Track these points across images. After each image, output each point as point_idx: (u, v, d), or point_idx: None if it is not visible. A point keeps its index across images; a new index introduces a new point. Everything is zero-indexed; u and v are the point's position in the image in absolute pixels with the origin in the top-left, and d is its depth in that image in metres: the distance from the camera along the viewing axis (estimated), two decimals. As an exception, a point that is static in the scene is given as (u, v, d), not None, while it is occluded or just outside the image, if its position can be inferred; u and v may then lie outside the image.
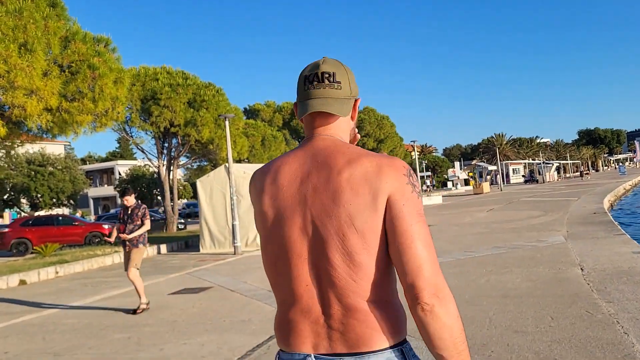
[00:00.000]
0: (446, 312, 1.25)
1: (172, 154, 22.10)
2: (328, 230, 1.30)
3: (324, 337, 1.33)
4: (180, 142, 21.50)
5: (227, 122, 14.56)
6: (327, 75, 1.42)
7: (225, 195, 14.69)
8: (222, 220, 14.97)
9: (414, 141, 31.59)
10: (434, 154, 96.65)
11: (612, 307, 5.54)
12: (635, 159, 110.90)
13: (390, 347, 1.31)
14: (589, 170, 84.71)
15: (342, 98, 1.43)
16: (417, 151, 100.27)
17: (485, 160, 73.22)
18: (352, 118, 1.52)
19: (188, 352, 5.25)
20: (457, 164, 65.96)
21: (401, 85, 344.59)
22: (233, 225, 13.96)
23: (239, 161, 25.09)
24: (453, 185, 61.34)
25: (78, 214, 49.87)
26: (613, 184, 38.38)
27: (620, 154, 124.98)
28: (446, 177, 68.96)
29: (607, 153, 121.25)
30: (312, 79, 1.42)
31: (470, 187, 47.42)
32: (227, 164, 14.81)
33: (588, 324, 5.05)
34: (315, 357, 1.33)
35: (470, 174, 59.38)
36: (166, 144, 22.03)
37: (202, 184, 15.44)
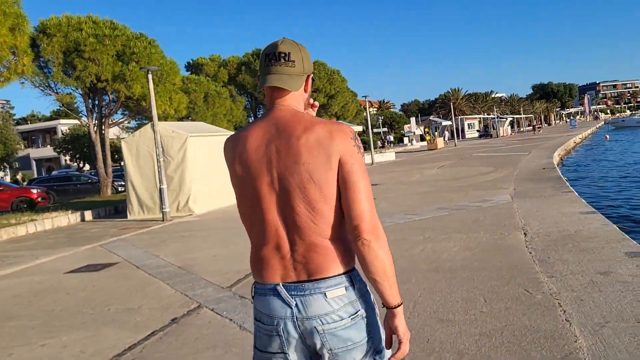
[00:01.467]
0: (379, 247, 1.64)
1: (104, 111, 20.43)
2: (291, 185, 1.65)
3: (291, 269, 1.68)
4: (110, 99, 19.83)
5: (149, 76, 13.11)
6: (283, 55, 1.72)
7: (154, 157, 13.42)
8: (151, 184, 13.74)
9: (365, 96, 30.57)
10: (391, 109, 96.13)
11: (554, 284, 4.77)
12: (585, 112, 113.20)
13: (341, 274, 1.68)
14: (541, 124, 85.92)
15: (294, 75, 1.73)
16: (375, 107, 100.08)
17: (441, 116, 72.97)
18: (305, 91, 1.82)
19: (40, 359, 4.23)
20: (413, 119, 65.40)
21: (357, 42, 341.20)
22: (160, 189, 12.78)
23: (180, 119, 23.61)
24: (409, 142, 60.94)
25: (19, 177, 47.39)
26: (564, 137, 38.55)
27: (572, 107, 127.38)
28: (403, 133, 68.52)
29: (559, 107, 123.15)
30: (270, 57, 1.72)
31: (425, 143, 47.09)
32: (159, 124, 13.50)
33: (526, 307, 4.26)
34: (283, 285, 1.68)
35: (426, 130, 59.04)
36: (96, 101, 20.33)
37: (128, 145, 14.09)
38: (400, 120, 77.32)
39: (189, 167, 13.50)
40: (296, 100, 1.77)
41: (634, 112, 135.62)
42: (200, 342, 4.26)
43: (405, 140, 61.65)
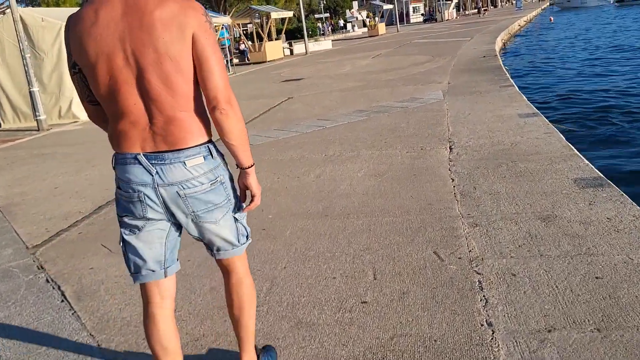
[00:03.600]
0: (235, 114, 1.75)
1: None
2: (146, 59, 1.64)
3: (150, 141, 1.72)
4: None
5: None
6: None
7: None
8: (26, 86, 11.36)
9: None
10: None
11: (477, 240, 3.31)
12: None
13: (200, 145, 1.76)
14: (487, 6, 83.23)
15: None
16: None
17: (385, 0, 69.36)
18: None
19: None
20: (355, 3, 61.80)
21: None
22: (30, 92, 10.48)
23: (80, 5, 20.33)
24: (351, 28, 57.83)
25: None
26: (509, 20, 36.80)
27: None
28: (345, 19, 64.90)
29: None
30: None
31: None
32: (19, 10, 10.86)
33: (430, 292, 2.78)
34: (143, 154, 1.72)
35: (370, 15, 55.84)
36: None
37: (-12, 38, 11.47)
38: (344, 5, 73.01)
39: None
40: None
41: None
42: None
43: (349, 26, 58.54)
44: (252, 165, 1.86)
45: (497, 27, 28.77)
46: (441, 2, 58.67)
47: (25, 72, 10.44)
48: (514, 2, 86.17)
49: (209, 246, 1.93)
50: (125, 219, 1.81)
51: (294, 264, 3.31)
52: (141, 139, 1.72)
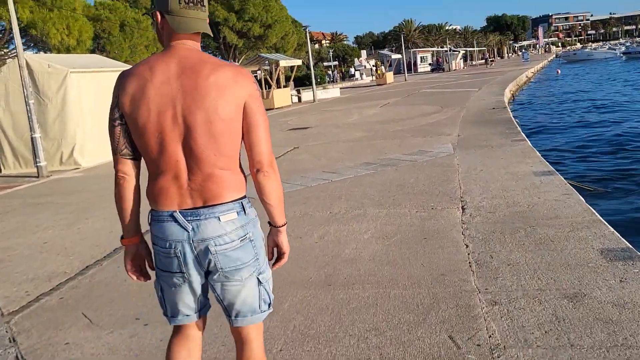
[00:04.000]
0: (275, 177, 1.87)
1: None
2: (197, 120, 1.74)
3: (187, 197, 1.79)
4: (-5, 26, 16.70)
5: (9, -6, 10.28)
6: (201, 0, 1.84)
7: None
8: (28, 132, 11.22)
9: (306, 27, 27.65)
10: (344, 42, 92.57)
11: (497, 323, 2.94)
12: (538, 45, 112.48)
13: (234, 201, 1.82)
14: (494, 57, 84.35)
15: (206, 19, 1.87)
16: (328, 40, 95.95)
17: (394, 49, 70.43)
18: None
19: None
20: (363, 52, 62.79)
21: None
22: (32, 138, 10.33)
23: (92, 52, 20.58)
24: (360, 76, 58.48)
25: None
26: (516, 71, 37.07)
27: (524, 40, 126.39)
28: (354, 66, 65.78)
29: (512, 40, 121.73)
30: (192, 1, 1.80)
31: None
32: (26, 56, 10.84)
33: (446, 388, 2.41)
34: (180, 212, 1.79)
35: (378, 63, 56.56)
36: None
37: (-6, 83, 11.42)
38: (353, 54, 74.18)
39: (71, 111, 11.03)
40: (199, 40, 1.88)
41: (584, 45, 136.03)
42: None
43: (357, 74, 59.25)
44: (285, 224, 1.96)
45: (504, 78, 28.88)
46: (449, 53, 59.47)
47: (28, 118, 10.31)
48: (520, 53, 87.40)
49: (228, 310, 1.93)
50: (163, 273, 1.88)
51: (292, 346, 2.94)
52: (179, 196, 1.79)
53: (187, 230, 1.78)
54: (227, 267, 1.82)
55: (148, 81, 1.75)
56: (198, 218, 1.77)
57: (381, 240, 4.56)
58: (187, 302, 1.91)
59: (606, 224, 4.39)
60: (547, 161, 7.22)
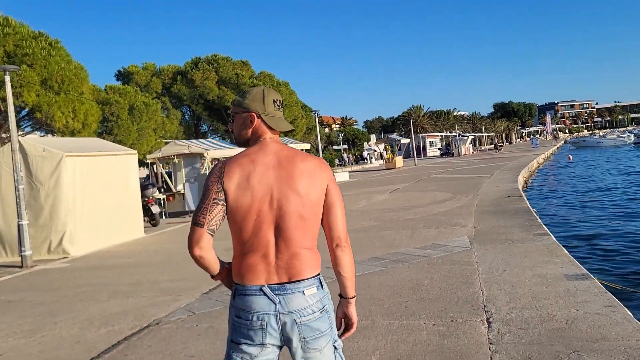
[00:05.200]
0: (350, 252, 2.07)
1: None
2: (291, 204, 1.96)
3: (274, 274, 1.96)
4: (2, 108, 16.59)
5: (7, 77, 9.94)
6: (282, 103, 2.20)
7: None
8: (16, 218, 10.62)
9: (316, 111, 27.87)
10: (354, 126, 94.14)
11: None
12: (545, 132, 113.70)
13: (314, 276, 2.01)
14: (502, 143, 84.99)
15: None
16: (338, 123, 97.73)
17: (403, 134, 71.18)
18: None
19: None
20: (373, 136, 63.36)
21: (320, 57, 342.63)
22: (19, 225, 9.71)
23: (100, 134, 20.48)
24: (369, 159, 58.70)
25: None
26: (527, 157, 36.80)
27: (532, 126, 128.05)
28: (363, 150, 66.26)
29: (519, 126, 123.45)
30: (279, 104, 2.15)
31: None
32: (21, 140, 10.46)
33: None
34: (268, 286, 1.95)
35: (388, 147, 56.86)
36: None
37: (-13, 167, 10.96)
38: (362, 137, 75.07)
39: (63, 196, 10.45)
40: (278, 134, 2.17)
41: (592, 131, 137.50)
42: None
43: (367, 158, 59.48)
44: (355, 296, 2.12)
45: (516, 164, 28.48)
46: (457, 137, 59.85)
47: (17, 204, 9.74)
48: (528, 139, 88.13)
49: None
50: (242, 346, 1.98)
51: None
52: (267, 272, 1.96)
53: (274, 303, 1.94)
54: (308, 336, 1.96)
55: (252, 172, 1.98)
56: (285, 292, 1.94)
57: (391, 367, 3.72)
58: None
59: (670, 351, 3.55)
60: (578, 260, 6.42)
